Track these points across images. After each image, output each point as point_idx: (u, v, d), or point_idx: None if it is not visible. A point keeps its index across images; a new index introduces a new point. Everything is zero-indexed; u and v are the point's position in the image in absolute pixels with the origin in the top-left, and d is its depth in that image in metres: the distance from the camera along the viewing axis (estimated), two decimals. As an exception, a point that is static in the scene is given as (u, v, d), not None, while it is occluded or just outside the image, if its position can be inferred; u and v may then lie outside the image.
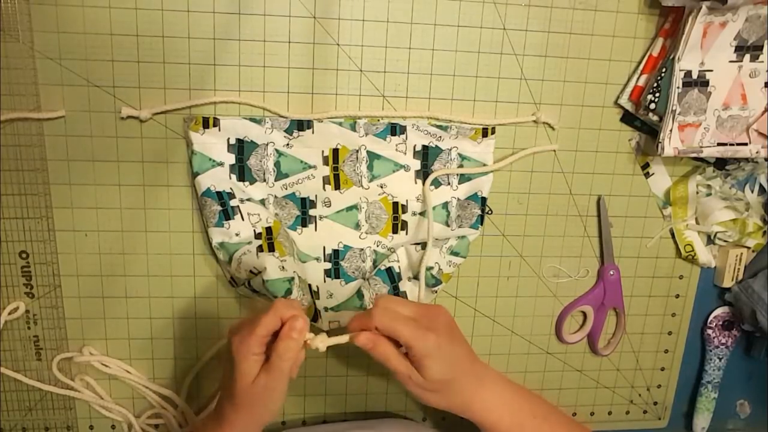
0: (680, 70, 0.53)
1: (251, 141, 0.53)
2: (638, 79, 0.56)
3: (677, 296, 0.66)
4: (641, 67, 0.56)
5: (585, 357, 0.66)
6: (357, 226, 0.57)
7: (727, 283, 0.65)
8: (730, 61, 0.54)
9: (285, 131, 0.53)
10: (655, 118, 0.55)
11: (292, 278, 0.51)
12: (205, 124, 0.52)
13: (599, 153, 0.59)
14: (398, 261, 0.57)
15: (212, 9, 0.50)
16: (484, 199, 0.57)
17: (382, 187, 0.56)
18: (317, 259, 0.57)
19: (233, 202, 0.53)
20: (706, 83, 0.54)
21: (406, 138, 0.55)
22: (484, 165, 0.57)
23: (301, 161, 0.54)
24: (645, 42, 0.56)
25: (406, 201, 0.57)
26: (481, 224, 0.57)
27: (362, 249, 0.57)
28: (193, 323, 0.58)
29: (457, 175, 0.56)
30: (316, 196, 0.55)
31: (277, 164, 0.54)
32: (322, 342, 0.43)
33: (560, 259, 0.62)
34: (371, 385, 0.63)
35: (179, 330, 0.58)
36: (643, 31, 0.56)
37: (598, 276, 0.63)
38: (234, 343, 0.43)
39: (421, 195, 0.56)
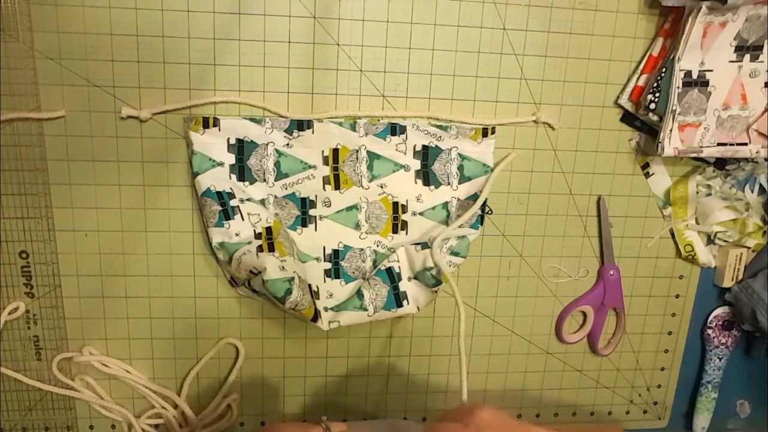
0: (680, 70, 0.53)
1: (251, 141, 0.53)
2: (638, 79, 0.56)
3: (677, 296, 0.66)
4: (641, 67, 0.56)
5: (585, 357, 0.66)
6: (357, 226, 0.57)
7: (727, 283, 0.65)
8: (730, 61, 0.54)
9: (285, 131, 0.53)
10: (655, 118, 0.55)
11: (292, 278, 0.51)
12: (205, 124, 0.52)
13: (599, 153, 0.59)
14: (398, 261, 0.57)
15: (212, 9, 0.50)
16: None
17: (382, 187, 0.56)
18: (317, 259, 0.57)
19: (233, 202, 0.53)
20: (706, 83, 0.54)
21: (406, 138, 0.55)
22: (484, 165, 0.57)
23: (301, 161, 0.54)
24: (645, 42, 0.56)
25: (406, 201, 0.57)
26: (481, 224, 0.58)
27: (362, 249, 0.57)
28: (193, 323, 0.58)
29: (457, 174, 0.56)
30: (316, 196, 0.55)
31: (277, 164, 0.54)
32: None
33: (560, 259, 0.62)
34: (371, 386, 0.63)
35: (179, 330, 0.58)
36: (643, 31, 0.56)
37: (598, 276, 0.63)
38: None
39: (421, 195, 0.57)
